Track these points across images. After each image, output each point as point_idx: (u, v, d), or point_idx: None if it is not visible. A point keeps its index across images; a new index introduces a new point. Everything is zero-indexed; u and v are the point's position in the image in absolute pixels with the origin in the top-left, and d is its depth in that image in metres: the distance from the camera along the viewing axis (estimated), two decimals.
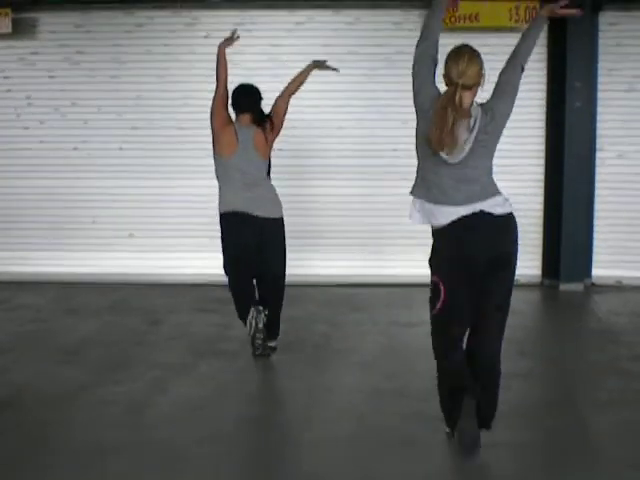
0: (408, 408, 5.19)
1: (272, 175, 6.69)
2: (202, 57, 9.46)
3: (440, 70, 4.56)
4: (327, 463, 4.43)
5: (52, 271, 9.67)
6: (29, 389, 5.58)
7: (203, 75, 9.38)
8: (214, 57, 9.32)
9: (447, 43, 9.38)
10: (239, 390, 5.60)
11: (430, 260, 4.53)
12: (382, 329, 7.14)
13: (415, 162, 4.61)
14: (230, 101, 6.74)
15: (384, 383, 5.68)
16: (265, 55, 9.45)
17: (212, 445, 4.62)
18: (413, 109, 4.60)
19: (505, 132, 9.29)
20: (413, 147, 4.57)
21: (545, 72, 9.38)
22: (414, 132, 4.56)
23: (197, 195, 9.07)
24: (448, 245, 4.43)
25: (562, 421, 4.98)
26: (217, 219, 6.46)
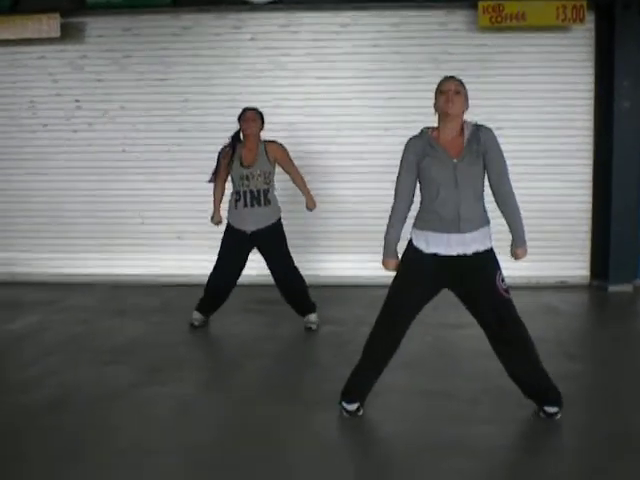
0: (454, 410, 5.17)
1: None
2: (247, 59, 9.55)
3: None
4: (374, 464, 4.43)
5: (101, 272, 9.80)
6: (77, 389, 5.63)
7: (249, 77, 9.47)
8: (259, 59, 9.46)
9: (494, 43, 9.43)
10: (285, 391, 5.60)
11: None
12: (429, 330, 7.11)
13: None
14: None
15: (431, 384, 5.66)
16: (311, 56, 9.47)
17: (256, 447, 4.64)
18: None
19: (553, 133, 9.31)
20: None
21: (592, 71, 9.29)
22: None
23: None
24: None
25: (609, 426, 4.92)
26: None
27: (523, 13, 8.97)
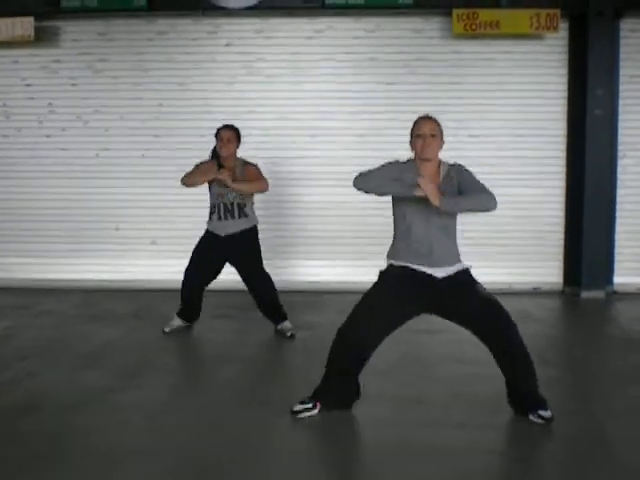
0: (427, 416, 5.18)
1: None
2: (223, 65, 9.54)
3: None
4: (345, 472, 4.43)
5: (75, 277, 9.75)
6: (51, 394, 5.60)
7: (224, 82, 9.46)
8: (235, 64, 9.45)
9: (468, 51, 9.49)
10: (257, 397, 5.59)
11: None
12: (402, 336, 7.11)
13: None
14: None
15: (403, 390, 5.66)
16: (285, 62, 9.49)
17: (231, 452, 4.63)
18: None
19: (527, 140, 9.39)
20: None
21: (566, 79, 9.36)
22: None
23: None
24: None
25: (582, 429, 4.94)
26: None
27: (497, 21, 9.03)
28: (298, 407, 5.14)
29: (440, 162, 5.04)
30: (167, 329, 7.37)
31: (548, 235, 9.54)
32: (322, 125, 9.50)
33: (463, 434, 4.86)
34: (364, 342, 5.07)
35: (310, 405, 5.15)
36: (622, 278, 9.48)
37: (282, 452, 4.64)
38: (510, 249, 9.36)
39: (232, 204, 6.99)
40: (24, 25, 9.30)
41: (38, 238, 9.83)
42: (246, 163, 7.08)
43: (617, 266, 9.48)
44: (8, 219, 9.87)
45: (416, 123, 5.02)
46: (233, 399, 5.56)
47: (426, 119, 5.02)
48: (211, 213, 7.09)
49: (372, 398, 5.47)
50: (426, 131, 4.93)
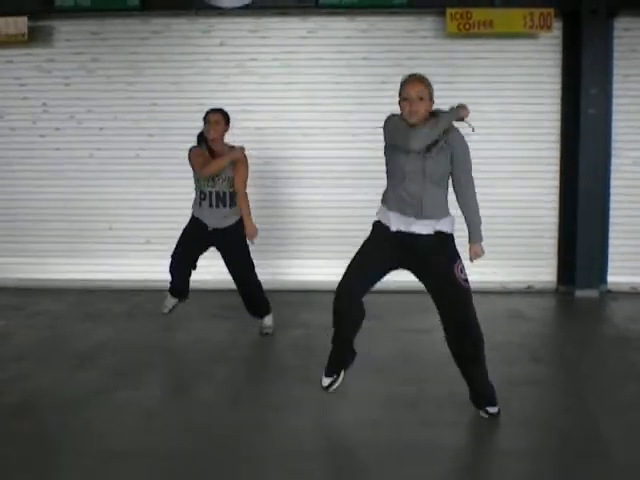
0: (420, 416, 5.18)
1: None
2: (217, 64, 9.54)
3: None
4: (340, 472, 4.43)
5: (69, 277, 9.73)
6: (45, 394, 5.60)
7: (218, 82, 9.46)
8: (228, 64, 9.46)
9: (462, 50, 9.50)
10: (253, 396, 5.59)
11: None
12: (396, 336, 7.15)
13: None
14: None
15: (397, 390, 5.67)
16: (279, 61, 9.49)
17: (225, 452, 4.63)
18: None
19: (521, 139, 9.40)
20: None
21: (560, 79, 9.37)
22: None
23: None
24: None
25: (576, 427, 4.96)
26: None
27: (491, 20, 9.04)
28: (326, 381, 5.35)
29: (433, 115, 4.91)
30: (165, 310, 7.49)
31: (542, 234, 9.55)
32: (315, 124, 9.50)
33: (457, 432, 4.88)
34: (350, 289, 5.13)
35: (335, 376, 5.33)
36: (616, 277, 9.48)
37: (277, 452, 4.64)
38: (504, 248, 9.35)
39: (224, 192, 6.97)
40: (18, 24, 9.28)
41: (32, 238, 9.82)
42: (232, 147, 7.05)
43: (611, 265, 9.49)
44: (1, 219, 9.85)
45: (403, 84, 4.90)
46: (228, 398, 5.58)
47: (414, 80, 4.89)
48: (201, 199, 7.04)
49: (365, 397, 5.48)
50: (412, 94, 4.82)
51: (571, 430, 4.91)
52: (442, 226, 4.93)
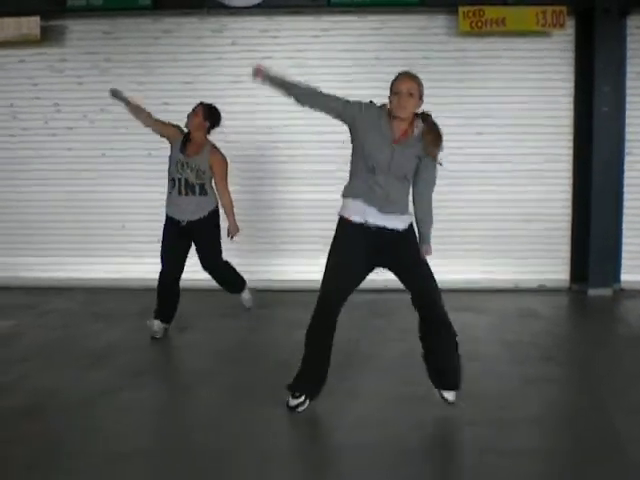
0: (428, 414, 5.16)
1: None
2: (228, 63, 9.53)
3: None
4: (348, 470, 4.41)
5: (81, 277, 9.75)
6: (55, 394, 5.60)
7: (229, 82, 9.44)
8: (240, 63, 9.43)
9: (474, 48, 9.46)
10: (262, 395, 5.58)
11: None
12: (404, 335, 7.11)
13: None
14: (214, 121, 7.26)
15: (405, 389, 5.64)
16: (291, 61, 9.46)
17: (234, 451, 4.62)
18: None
19: (533, 137, 9.35)
20: None
21: (572, 76, 9.34)
22: None
23: None
24: None
25: (590, 427, 4.93)
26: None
27: (503, 18, 9.01)
28: (293, 402, 5.15)
29: (414, 121, 4.95)
30: (157, 335, 7.13)
31: (555, 232, 9.51)
32: (327, 123, 9.43)
33: (468, 431, 4.86)
34: (330, 297, 5.02)
35: (302, 399, 5.14)
36: (629, 275, 9.44)
37: (284, 451, 4.64)
38: (516, 247, 9.32)
39: (193, 183, 7.03)
40: (30, 24, 9.32)
41: (44, 237, 9.84)
42: (214, 148, 7.12)
43: (624, 263, 9.44)
44: (14, 218, 9.88)
45: (396, 79, 4.99)
46: (236, 398, 5.56)
47: (406, 76, 4.97)
48: (171, 188, 7.10)
49: (375, 396, 5.47)
50: (403, 89, 4.88)
51: (585, 429, 4.89)
52: (402, 224, 4.99)
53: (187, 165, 6.97)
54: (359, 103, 5.08)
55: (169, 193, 7.11)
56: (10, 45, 9.51)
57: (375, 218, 4.91)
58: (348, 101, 5.14)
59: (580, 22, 9.26)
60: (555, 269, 9.52)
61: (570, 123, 9.40)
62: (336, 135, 9.46)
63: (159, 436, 4.86)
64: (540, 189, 9.37)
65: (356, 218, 4.96)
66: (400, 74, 5.00)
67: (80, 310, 8.49)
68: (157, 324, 7.13)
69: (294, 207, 9.53)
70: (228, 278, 7.55)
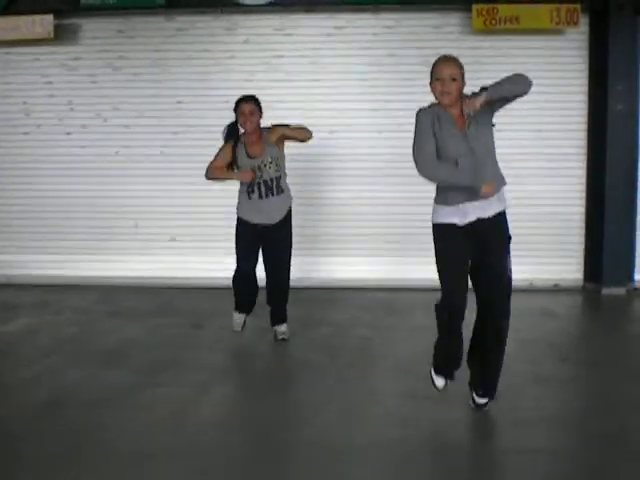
0: (443, 413, 5.15)
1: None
2: (242, 61, 9.54)
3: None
4: (366, 469, 4.41)
5: (96, 274, 9.78)
6: (73, 392, 5.62)
7: (243, 79, 9.44)
8: (253, 61, 9.45)
9: (488, 46, 9.44)
10: (281, 393, 5.59)
11: None
12: (420, 333, 7.11)
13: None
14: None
15: (421, 388, 5.62)
16: (305, 59, 9.48)
17: (255, 449, 4.63)
18: None
19: (547, 135, 9.31)
20: None
21: (586, 75, 9.31)
22: None
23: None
24: None
25: (604, 426, 4.91)
26: None
27: (517, 16, 8.99)
28: (439, 382, 5.15)
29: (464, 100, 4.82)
30: (237, 328, 7.25)
31: (568, 232, 9.48)
32: (341, 122, 9.48)
33: (483, 430, 4.85)
34: (454, 295, 4.93)
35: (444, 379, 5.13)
36: None
37: (305, 447, 4.63)
38: (530, 246, 9.29)
39: (271, 179, 6.78)
40: (44, 23, 9.35)
41: (58, 235, 9.88)
42: (268, 129, 6.86)
43: (638, 262, 9.40)
44: (27, 216, 9.91)
45: (436, 65, 4.86)
46: (257, 395, 5.57)
47: (447, 61, 4.87)
48: (249, 193, 6.80)
49: (392, 394, 5.46)
50: (445, 75, 4.78)
51: (599, 430, 4.86)
52: (499, 205, 4.81)
53: (263, 164, 6.73)
54: (420, 122, 4.82)
55: (247, 197, 6.83)
56: (24, 43, 9.54)
57: (464, 217, 4.73)
58: (424, 133, 4.80)
59: (594, 20, 9.23)
60: (569, 268, 9.50)
61: (584, 121, 9.37)
62: (355, 134, 9.56)
63: (180, 434, 4.84)
64: (554, 188, 9.35)
65: (447, 219, 4.78)
66: (440, 59, 4.91)
67: (96, 308, 8.51)
68: (238, 316, 7.23)
69: (318, 205, 9.53)
70: (287, 282, 7.13)
